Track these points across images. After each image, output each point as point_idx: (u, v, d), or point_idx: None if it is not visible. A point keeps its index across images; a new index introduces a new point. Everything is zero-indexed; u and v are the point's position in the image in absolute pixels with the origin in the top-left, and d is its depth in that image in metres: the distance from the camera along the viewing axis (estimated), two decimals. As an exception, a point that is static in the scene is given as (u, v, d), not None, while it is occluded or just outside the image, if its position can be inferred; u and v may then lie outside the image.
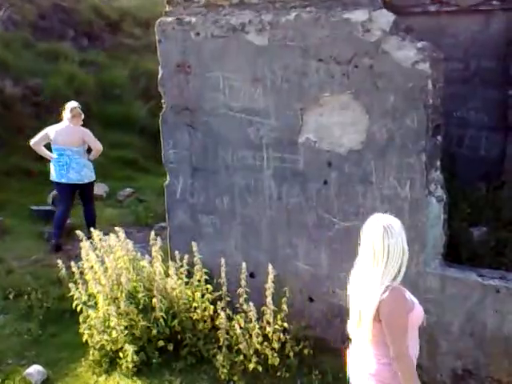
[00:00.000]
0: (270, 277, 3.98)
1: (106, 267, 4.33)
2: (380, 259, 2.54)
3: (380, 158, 3.82)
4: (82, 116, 6.43)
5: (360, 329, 2.66)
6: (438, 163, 3.82)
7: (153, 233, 4.56)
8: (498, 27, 5.56)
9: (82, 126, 6.40)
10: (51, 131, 6.31)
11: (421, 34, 3.98)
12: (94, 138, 6.37)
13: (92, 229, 4.63)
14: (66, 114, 6.29)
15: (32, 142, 6.36)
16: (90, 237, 4.56)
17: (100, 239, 4.50)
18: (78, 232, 4.49)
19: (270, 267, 3.99)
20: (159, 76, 4.57)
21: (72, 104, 6.35)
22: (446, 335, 3.85)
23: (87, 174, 6.41)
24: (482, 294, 3.67)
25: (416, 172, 3.74)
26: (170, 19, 4.42)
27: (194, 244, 4.31)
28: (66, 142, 6.23)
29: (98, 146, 6.37)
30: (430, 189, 3.76)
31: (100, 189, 8.15)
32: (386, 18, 3.65)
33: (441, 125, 3.83)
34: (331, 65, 3.82)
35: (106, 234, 4.66)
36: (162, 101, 4.61)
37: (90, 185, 6.56)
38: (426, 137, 3.68)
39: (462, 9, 5.60)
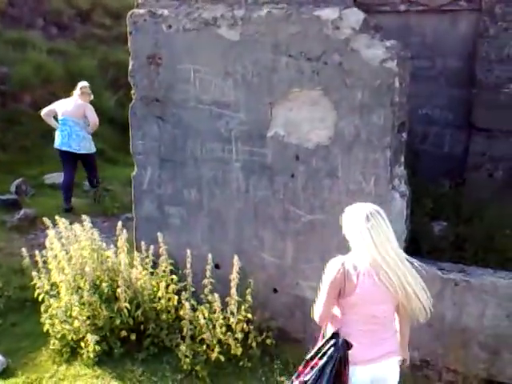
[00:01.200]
0: (235, 268, 4.01)
1: (71, 256, 4.29)
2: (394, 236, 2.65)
3: (347, 153, 3.89)
4: (91, 96, 7.20)
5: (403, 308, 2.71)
6: (402, 159, 3.93)
7: (120, 223, 4.54)
8: (465, 27, 5.71)
9: None
10: (59, 104, 7.09)
11: (389, 32, 4.06)
12: (93, 113, 7.03)
13: (57, 217, 4.57)
14: (76, 90, 7.09)
15: (42, 112, 7.14)
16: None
17: (66, 227, 4.46)
18: (45, 219, 4.44)
19: (236, 258, 4.03)
20: (130, 67, 4.54)
21: (83, 83, 7.15)
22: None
23: (85, 146, 7.06)
24: (442, 286, 3.79)
25: (381, 167, 3.82)
26: (142, 11, 4.40)
27: (159, 235, 4.31)
28: (69, 113, 6.95)
29: (94, 120, 7.05)
30: (393, 184, 3.85)
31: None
32: (355, 16, 3.72)
33: (406, 122, 3.94)
34: (301, 61, 3.88)
35: (71, 223, 4.61)
36: (132, 92, 4.59)
37: (89, 156, 7.21)
38: (392, 133, 3.77)
39: (431, 8, 5.73)
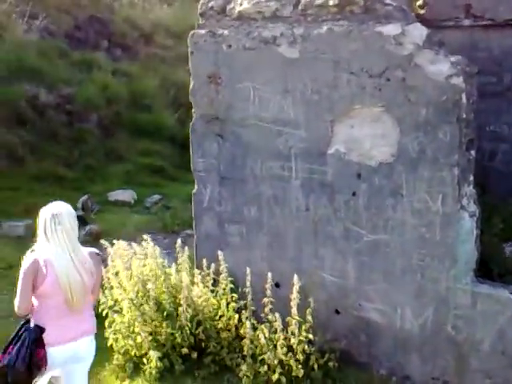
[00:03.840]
0: (296, 287, 3.95)
1: (131, 273, 4.36)
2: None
3: (411, 171, 3.78)
4: None
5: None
6: (471, 178, 3.76)
7: (179, 240, 4.57)
8: (533, 41, 5.52)
9: None
10: None
11: (453, 48, 3.96)
12: None
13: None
14: None
15: None
16: None
17: (127, 245, 4.53)
18: (103, 241, 4.53)
19: (296, 277, 3.97)
20: (190, 86, 4.63)
21: None
22: (476, 353, 3.78)
23: None
24: (515, 312, 3.59)
25: (448, 186, 3.69)
26: (202, 32, 4.49)
27: (220, 253, 4.32)
28: None
29: None
30: (462, 203, 3.70)
31: (128, 195, 8.28)
32: (419, 31, 3.64)
33: (474, 139, 3.79)
34: (362, 77, 3.82)
35: (132, 240, 4.70)
36: (192, 110, 4.67)
37: None
38: (459, 151, 3.64)
39: (496, 23, 5.55)
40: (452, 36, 5.49)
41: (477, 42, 5.76)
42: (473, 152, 3.77)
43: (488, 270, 4.36)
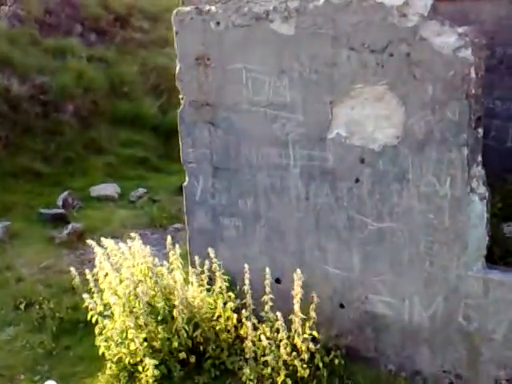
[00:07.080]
0: (298, 282, 3.71)
1: (122, 276, 4.06)
2: None
3: (418, 153, 3.53)
4: None
5: None
6: (480, 158, 3.53)
7: (169, 238, 4.29)
8: (526, 13, 5.32)
9: None
10: None
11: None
12: None
13: (102, 238, 4.32)
14: None
15: None
16: None
17: (114, 247, 4.21)
18: (89, 241, 4.21)
19: (298, 272, 3.73)
20: (176, 70, 4.30)
21: None
22: (489, 343, 3.59)
23: None
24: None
25: (457, 168, 3.45)
26: (188, 8, 4.15)
27: (210, 250, 4.04)
28: None
29: None
30: (472, 186, 3.47)
31: (111, 189, 7.94)
32: (423, 1, 3.36)
33: (482, 116, 3.55)
34: (364, 53, 3.54)
35: (118, 237, 4.40)
36: (180, 96, 4.35)
37: None
38: (468, 129, 3.40)
39: (488, -7, 5.34)
40: (441, 7, 5.23)
41: (467, 14, 5.50)
42: (480, 130, 3.53)
43: (489, 252, 4.19)
